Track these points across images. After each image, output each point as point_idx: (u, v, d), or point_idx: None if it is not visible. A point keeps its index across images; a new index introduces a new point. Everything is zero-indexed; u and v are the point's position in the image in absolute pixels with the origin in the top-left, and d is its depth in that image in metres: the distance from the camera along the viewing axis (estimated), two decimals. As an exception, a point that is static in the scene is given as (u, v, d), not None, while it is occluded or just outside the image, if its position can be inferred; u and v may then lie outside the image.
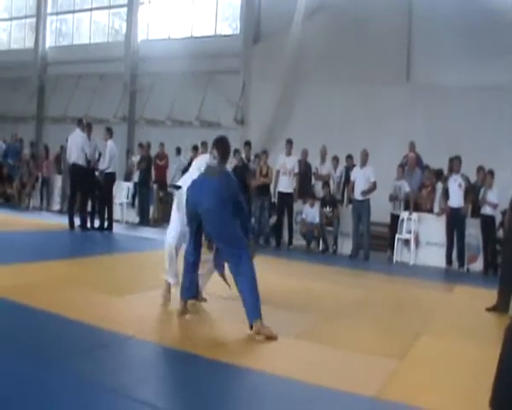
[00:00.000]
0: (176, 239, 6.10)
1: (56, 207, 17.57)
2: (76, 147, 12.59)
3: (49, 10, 25.20)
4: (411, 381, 4.33)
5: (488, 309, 7.30)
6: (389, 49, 16.51)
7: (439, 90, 15.52)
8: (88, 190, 12.94)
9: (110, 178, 13.21)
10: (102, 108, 21.20)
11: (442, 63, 15.59)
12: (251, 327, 5.16)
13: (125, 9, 22.85)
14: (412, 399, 3.87)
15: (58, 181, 17.80)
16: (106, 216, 13.19)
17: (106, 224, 13.12)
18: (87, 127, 12.99)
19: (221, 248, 5.52)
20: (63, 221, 12.92)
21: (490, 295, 7.49)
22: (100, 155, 13.03)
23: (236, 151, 14.54)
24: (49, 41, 25.33)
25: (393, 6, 16.56)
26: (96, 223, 13.22)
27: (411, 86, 16.46)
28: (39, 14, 24.99)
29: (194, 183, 5.55)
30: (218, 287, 6.31)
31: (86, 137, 12.73)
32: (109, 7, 23.81)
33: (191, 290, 5.72)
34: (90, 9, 24.17)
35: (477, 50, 15.05)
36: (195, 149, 15.56)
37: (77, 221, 12.63)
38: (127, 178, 17.09)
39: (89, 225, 12.96)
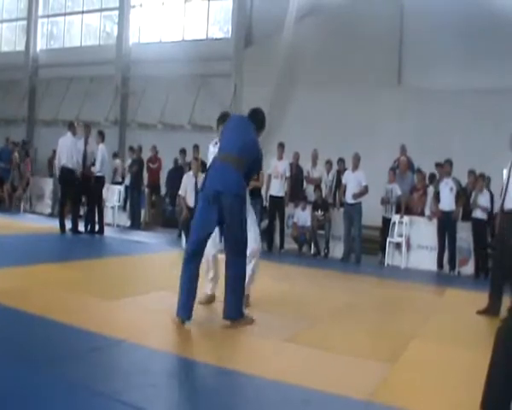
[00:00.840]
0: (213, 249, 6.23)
1: (47, 210, 17.51)
2: (66, 150, 12.57)
3: (40, 13, 25.10)
4: (403, 384, 4.34)
5: (479, 312, 7.32)
6: (380, 53, 16.57)
7: (431, 93, 15.61)
8: (78, 193, 12.92)
9: (101, 181, 13.19)
10: (94, 111, 21.14)
11: (433, 67, 15.68)
12: (229, 321, 5.53)
13: (116, 12, 22.79)
14: (404, 402, 3.87)
15: (49, 184, 17.75)
16: (96, 219, 13.15)
17: (97, 227, 13.08)
18: (85, 130, 13.02)
19: (227, 238, 5.61)
20: (54, 224, 12.88)
21: (481, 299, 7.51)
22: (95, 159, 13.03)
23: (228, 155, 14.52)
24: (41, 44, 25.22)
25: (385, 10, 16.61)
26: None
27: (403, 90, 16.53)
28: (30, 17, 24.87)
29: (211, 169, 5.65)
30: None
31: (76, 141, 12.72)
32: (101, 10, 23.75)
33: (187, 309, 5.41)
34: (82, 12, 24.08)
35: (468, 54, 15.15)
36: (183, 152, 15.61)
37: (68, 224, 12.60)
38: (111, 180, 16.97)
39: (82, 228, 12.93)
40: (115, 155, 17.40)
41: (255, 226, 6.34)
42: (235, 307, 5.53)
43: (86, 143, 12.93)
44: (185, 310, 5.39)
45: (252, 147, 5.68)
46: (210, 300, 6.40)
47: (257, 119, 5.96)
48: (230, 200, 5.39)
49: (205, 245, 5.57)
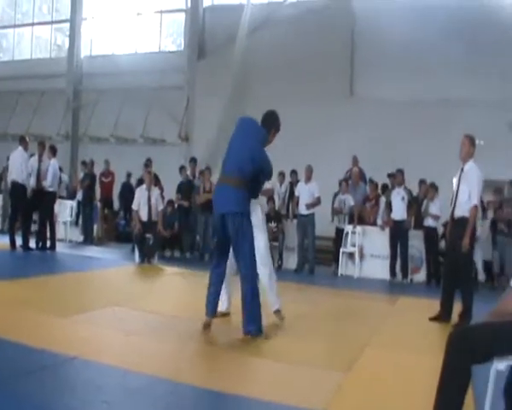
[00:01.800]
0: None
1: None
2: (17, 165, 12.34)
3: (-12, 25, 24.71)
4: (358, 394, 4.36)
5: (431, 319, 7.45)
6: (333, 65, 16.84)
7: (382, 104, 15.86)
8: (29, 208, 12.66)
9: (52, 197, 12.94)
10: (45, 125, 20.80)
11: (384, 78, 15.95)
12: (245, 334, 5.74)
13: (67, 25, 22.57)
14: (358, 411, 3.90)
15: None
16: (48, 235, 12.90)
17: (49, 243, 12.83)
18: (39, 148, 12.76)
19: (236, 254, 5.98)
20: (4, 241, 12.57)
21: (433, 305, 7.65)
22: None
23: (182, 168, 14.51)
24: (-11, 56, 24.82)
25: (337, 23, 16.87)
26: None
27: (355, 101, 16.75)
28: (-21, 29, 24.47)
29: (216, 191, 6.22)
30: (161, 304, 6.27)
31: (27, 156, 12.50)
32: (51, 22, 23.50)
33: (208, 307, 6.06)
34: (32, 24, 23.77)
35: (418, 66, 15.49)
36: (147, 165, 15.41)
37: (18, 241, 12.33)
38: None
39: (33, 245, 12.65)
40: (60, 170, 17.17)
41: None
42: (251, 321, 5.75)
43: (40, 160, 12.68)
44: (207, 308, 6.01)
45: (252, 159, 5.96)
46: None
47: (266, 123, 6.31)
48: (232, 219, 5.78)
49: (224, 257, 6.10)
